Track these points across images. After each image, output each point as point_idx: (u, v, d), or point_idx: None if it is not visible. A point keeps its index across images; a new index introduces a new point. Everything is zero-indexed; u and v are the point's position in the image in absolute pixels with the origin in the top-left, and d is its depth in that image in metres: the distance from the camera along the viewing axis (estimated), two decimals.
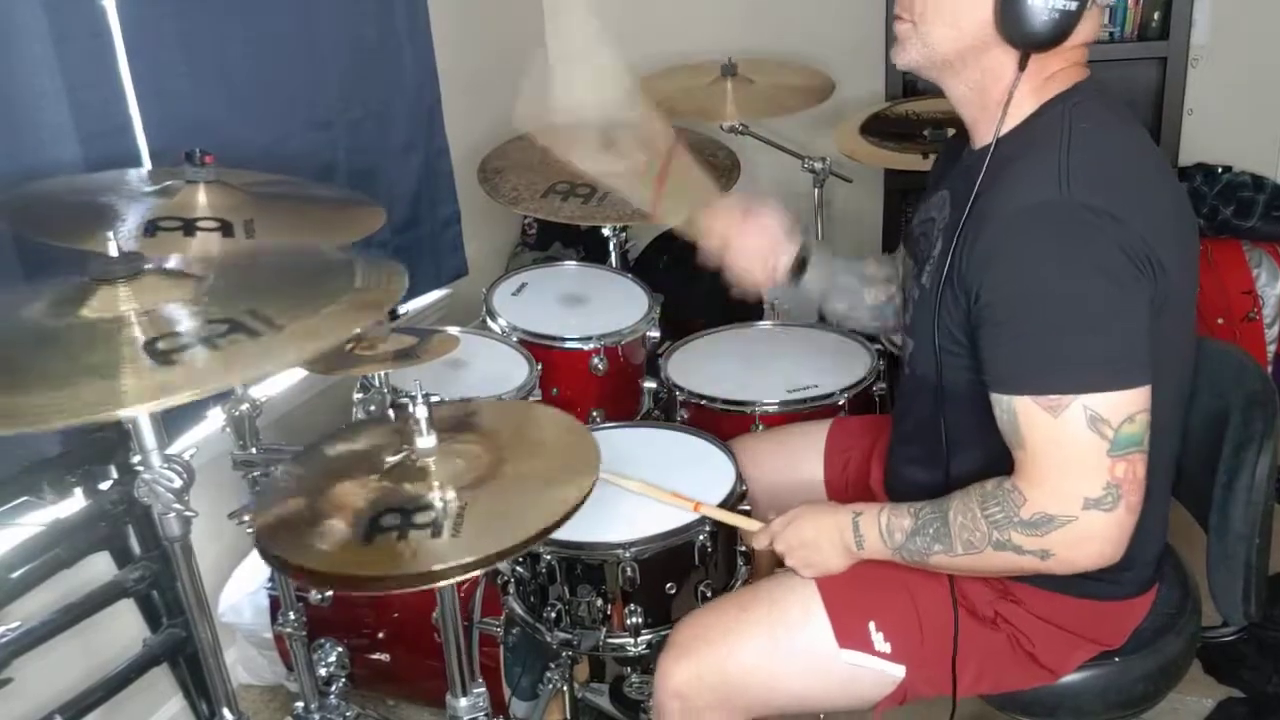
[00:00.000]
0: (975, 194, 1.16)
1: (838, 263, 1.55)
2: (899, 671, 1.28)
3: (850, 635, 1.28)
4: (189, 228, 1.33)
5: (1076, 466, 1.09)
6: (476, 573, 1.14)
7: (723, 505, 1.48)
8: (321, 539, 1.11)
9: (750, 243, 1.47)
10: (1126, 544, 1.12)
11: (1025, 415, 1.11)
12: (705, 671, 1.30)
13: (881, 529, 1.24)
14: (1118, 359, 1.09)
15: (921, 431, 1.30)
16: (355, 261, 1.17)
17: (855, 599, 1.30)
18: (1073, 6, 1.10)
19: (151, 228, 1.32)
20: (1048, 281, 1.09)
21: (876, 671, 1.28)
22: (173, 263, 1.12)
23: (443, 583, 1.08)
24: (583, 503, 1.14)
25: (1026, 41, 1.12)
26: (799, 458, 1.62)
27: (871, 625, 1.28)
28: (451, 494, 1.16)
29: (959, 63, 1.19)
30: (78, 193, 1.46)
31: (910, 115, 2.50)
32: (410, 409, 1.19)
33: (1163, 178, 1.21)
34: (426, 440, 1.20)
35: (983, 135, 1.23)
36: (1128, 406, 1.08)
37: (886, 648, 1.27)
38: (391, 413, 1.21)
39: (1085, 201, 1.09)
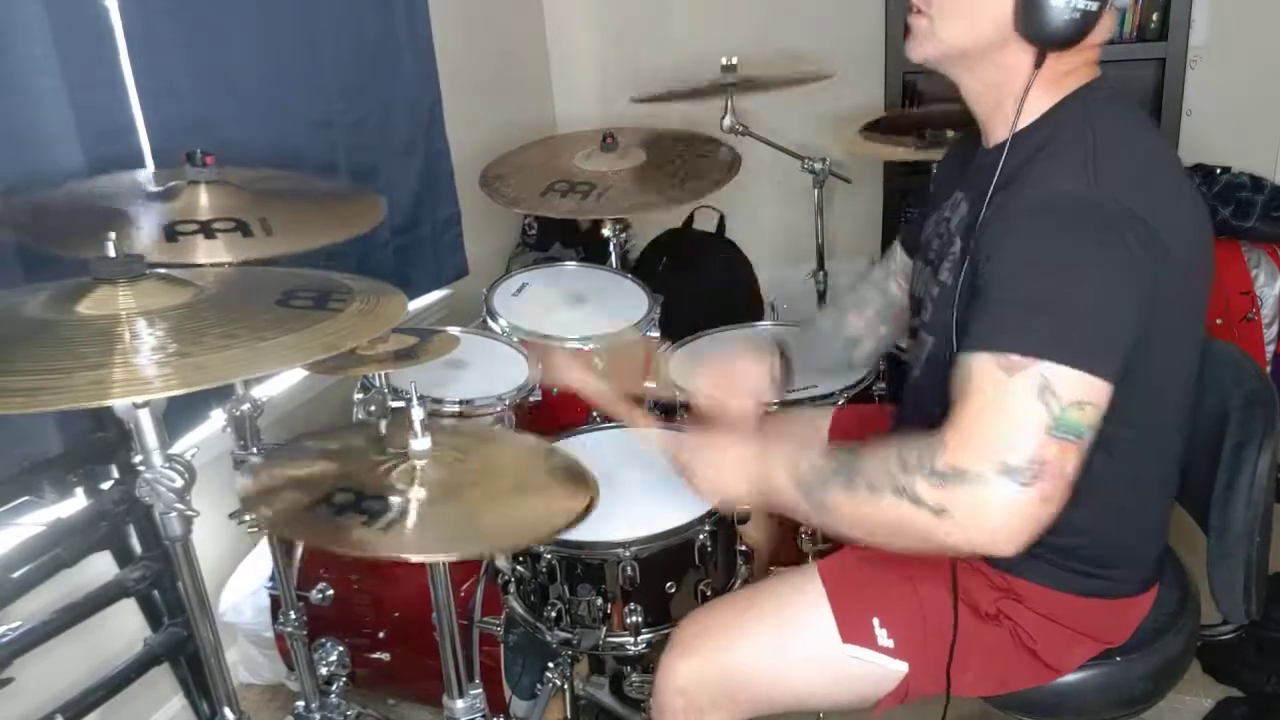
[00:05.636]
0: (994, 188, 1.15)
1: (818, 341, 1.65)
2: (902, 668, 1.28)
3: (854, 630, 1.28)
4: (208, 230, 1.35)
5: (1009, 429, 1.04)
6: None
7: (724, 507, 1.49)
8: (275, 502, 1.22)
9: (736, 400, 1.54)
10: (1024, 539, 1.05)
11: (980, 371, 1.07)
12: (708, 668, 1.30)
13: (796, 469, 1.19)
14: (1090, 342, 1.06)
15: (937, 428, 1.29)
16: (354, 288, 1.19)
17: (859, 594, 1.30)
18: (1094, 7, 1.09)
19: (171, 233, 1.33)
20: (1048, 257, 1.07)
21: (879, 667, 1.28)
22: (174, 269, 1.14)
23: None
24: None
25: (1045, 40, 1.12)
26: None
27: (875, 621, 1.27)
28: (421, 493, 1.20)
29: (975, 58, 1.19)
30: (83, 199, 1.46)
31: (910, 116, 2.50)
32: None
33: (1181, 178, 1.21)
34: (421, 442, 1.23)
35: (997, 132, 1.22)
36: (1083, 391, 1.05)
37: (890, 644, 1.27)
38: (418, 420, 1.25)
39: (1110, 196, 1.08)
